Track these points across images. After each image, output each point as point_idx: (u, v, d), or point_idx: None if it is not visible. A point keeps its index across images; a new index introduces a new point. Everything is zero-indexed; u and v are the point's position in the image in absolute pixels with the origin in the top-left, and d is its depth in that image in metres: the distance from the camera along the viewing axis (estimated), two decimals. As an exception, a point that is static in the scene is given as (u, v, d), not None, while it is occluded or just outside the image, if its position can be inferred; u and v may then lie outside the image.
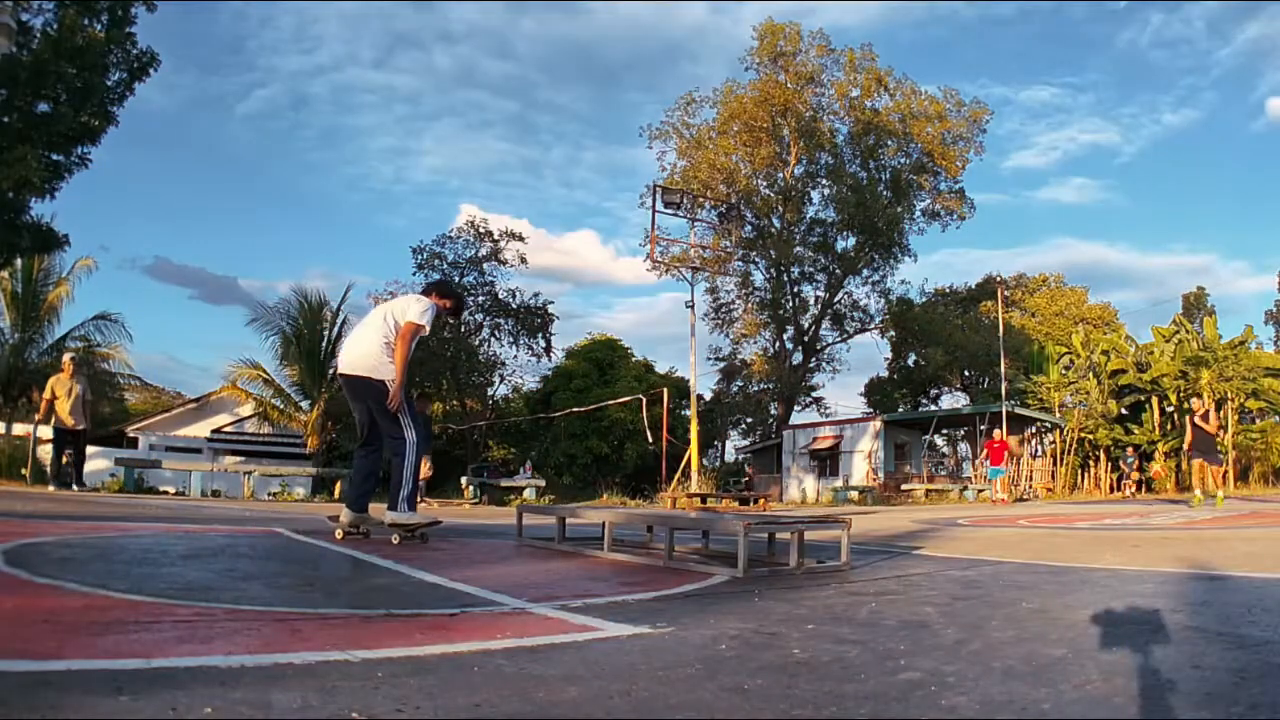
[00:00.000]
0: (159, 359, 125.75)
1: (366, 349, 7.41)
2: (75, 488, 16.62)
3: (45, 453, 18.32)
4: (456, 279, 41.88)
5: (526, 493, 25.98)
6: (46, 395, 16.96)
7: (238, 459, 30.57)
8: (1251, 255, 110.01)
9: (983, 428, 36.04)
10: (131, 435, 35.74)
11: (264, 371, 32.28)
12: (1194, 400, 18.78)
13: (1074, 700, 2.37)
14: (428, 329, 7.61)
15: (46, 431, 17.35)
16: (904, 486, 33.38)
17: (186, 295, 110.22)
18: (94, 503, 13.16)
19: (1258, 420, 41.06)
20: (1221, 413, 38.75)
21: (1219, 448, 20.74)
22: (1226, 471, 28.27)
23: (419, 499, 7.71)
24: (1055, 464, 38.80)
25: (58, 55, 17.64)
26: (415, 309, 7.52)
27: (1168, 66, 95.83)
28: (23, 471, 17.11)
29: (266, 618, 3.50)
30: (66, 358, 17.84)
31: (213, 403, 37.69)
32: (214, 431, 37.24)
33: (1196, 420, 19.92)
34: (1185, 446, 23.27)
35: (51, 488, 16.44)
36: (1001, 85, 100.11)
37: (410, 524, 7.27)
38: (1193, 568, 5.83)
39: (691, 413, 27.76)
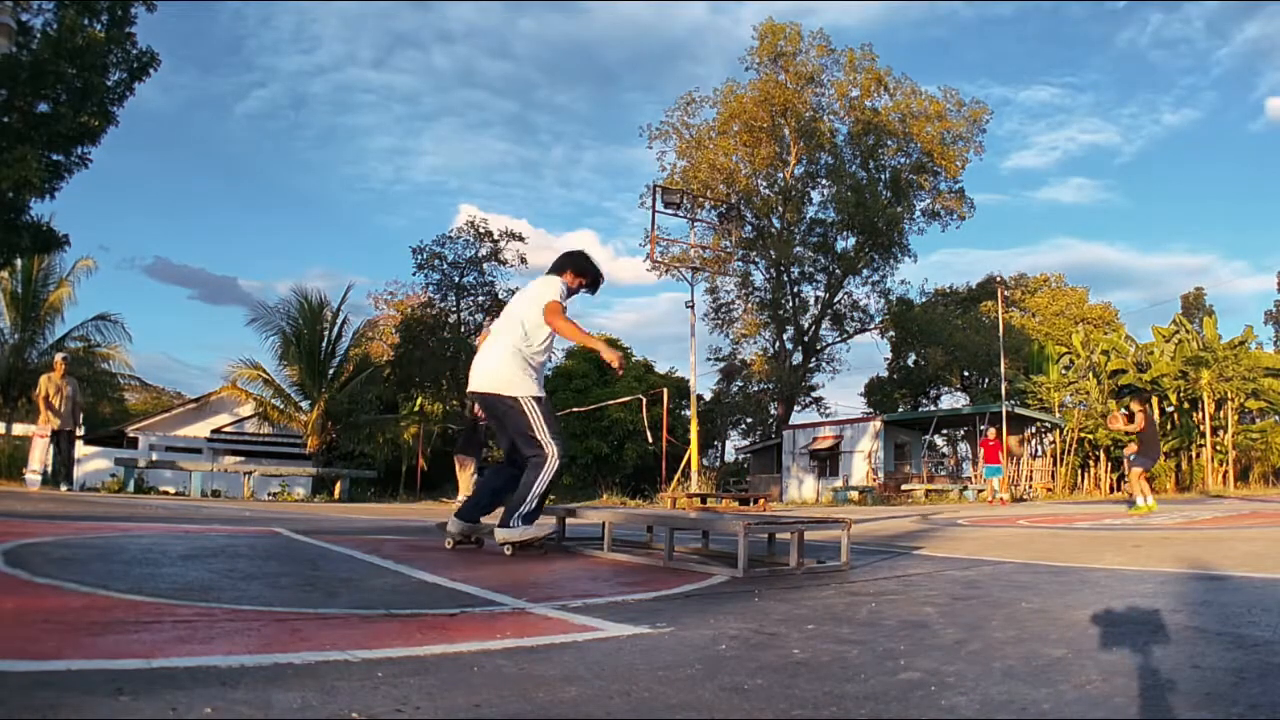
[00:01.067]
0: (159, 359, 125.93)
1: (494, 361, 6.74)
2: (64, 487, 16.66)
3: (25, 450, 18.42)
4: (456, 279, 41.96)
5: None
6: (39, 393, 17.08)
7: (238, 459, 30.57)
8: (1251, 255, 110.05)
9: (982, 428, 36.09)
10: (131, 435, 35.74)
11: (264, 371, 32.28)
12: (1133, 404, 18.63)
13: (1074, 700, 2.38)
14: (566, 307, 6.78)
15: (34, 428, 17.43)
16: (904, 486, 33.41)
17: (186, 295, 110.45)
18: (93, 503, 13.17)
19: (1258, 420, 41.03)
20: (1222, 413, 38.76)
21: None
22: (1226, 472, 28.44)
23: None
24: (1055, 464, 38.80)
25: (57, 55, 17.66)
26: (548, 292, 6.78)
27: (1167, 66, 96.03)
28: (23, 471, 17.13)
29: (266, 618, 3.50)
30: (59, 357, 17.87)
31: (213, 403, 37.70)
32: (214, 431, 37.25)
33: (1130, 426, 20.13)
34: (1130, 452, 23.60)
35: (26, 481, 16.57)
36: (1001, 85, 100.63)
37: (523, 539, 6.56)
38: (1193, 568, 5.82)
39: (691, 413, 27.79)
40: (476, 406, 11.85)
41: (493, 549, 6.77)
